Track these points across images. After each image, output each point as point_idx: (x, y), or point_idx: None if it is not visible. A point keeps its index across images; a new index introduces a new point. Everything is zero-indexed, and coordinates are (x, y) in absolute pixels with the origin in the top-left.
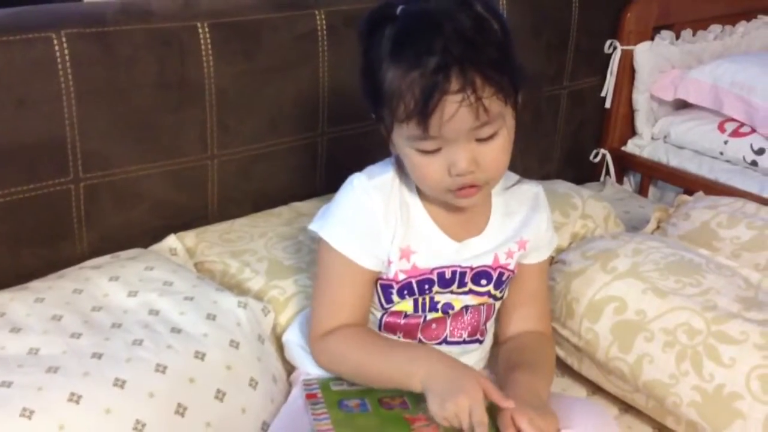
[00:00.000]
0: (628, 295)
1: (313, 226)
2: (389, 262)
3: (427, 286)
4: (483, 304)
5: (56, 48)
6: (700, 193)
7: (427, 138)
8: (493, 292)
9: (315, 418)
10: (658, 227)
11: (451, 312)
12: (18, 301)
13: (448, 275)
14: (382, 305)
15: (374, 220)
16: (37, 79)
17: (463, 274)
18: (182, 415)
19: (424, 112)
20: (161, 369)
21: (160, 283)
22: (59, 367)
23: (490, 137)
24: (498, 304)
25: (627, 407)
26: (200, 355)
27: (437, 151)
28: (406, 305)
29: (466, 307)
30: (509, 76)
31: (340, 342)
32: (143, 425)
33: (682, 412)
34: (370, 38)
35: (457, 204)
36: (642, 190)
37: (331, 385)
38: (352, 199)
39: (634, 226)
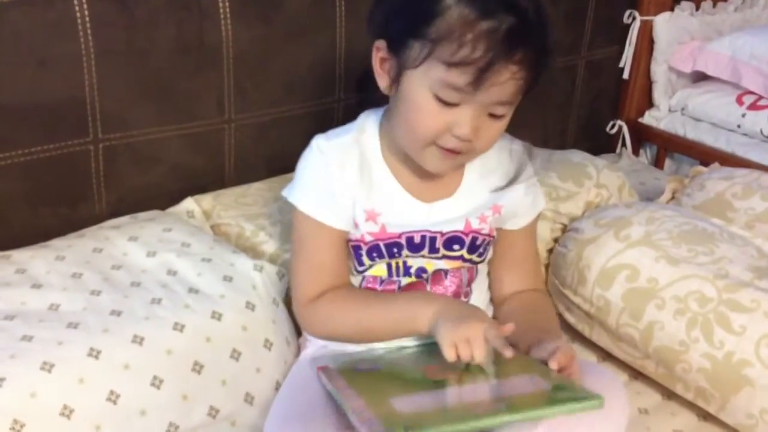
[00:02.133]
0: (641, 263)
1: (284, 191)
2: (356, 224)
3: (395, 250)
4: (461, 268)
5: (76, 9)
6: (716, 164)
7: (461, 91)
8: (467, 256)
9: (330, 380)
10: (672, 197)
11: (424, 275)
12: (39, 259)
13: (417, 240)
14: (356, 269)
15: (331, 180)
16: (58, 40)
17: (433, 239)
18: (199, 372)
19: (483, 68)
20: (179, 327)
21: (178, 245)
22: (79, 323)
23: (498, 117)
24: (481, 266)
25: (636, 374)
26: (217, 316)
27: (453, 105)
28: (380, 269)
29: (445, 272)
30: (544, 70)
31: (332, 303)
32: (161, 381)
33: (692, 379)
34: None
35: (432, 166)
36: (658, 163)
37: (340, 358)
38: (309, 160)
39: (649, 198)
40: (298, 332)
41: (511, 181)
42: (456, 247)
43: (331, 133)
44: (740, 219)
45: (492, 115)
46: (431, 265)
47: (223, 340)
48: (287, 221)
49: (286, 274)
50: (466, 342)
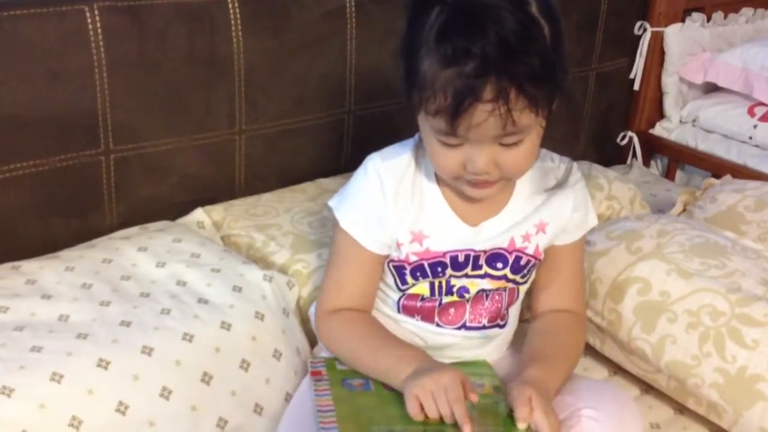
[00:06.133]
0: (652, 276)
1: (331, 202)
2: (399, 245)
3: (440, 269)
4: (503, 288)
5: (89, 21)
6: (728, 177)
7: (451, 135)
8: (510, 276)
9: (317, 394)
10: (684, 210)
11: (467, 296)
12: (48, 269)
13: (461, 258)
14: (398, 287)
15: (383, 205)
16: (70, 52)
17: (477, 258)
18: (207, 383)
19: (453, 115)
20: (188, 338)
21: (188, 255)
22: (88, 333)
23: (515, 144)
24: (523, 288)
25: (648, 388)
26: (226, 326)
27: (459, 145)
28: (422, 288)
29: (487, 293)
30: (546, 90)
31: (341, 324)
32: (170, 392)
33: (704, 393)
34: (416, 16)
35: (470, 195)
36: (669, 174)
37: (337, 365)
38: (363, 181)
39: (660, 210)
40: (310, 343)
41: (558, 185)
42: (499, 265)
43: (387, 152)
44: (753, 232)
45: (505, 145)
46: (474, 285)
47: (232, 350)
48: (298, 232)
49: (296, 284)
50: (429, 395)
